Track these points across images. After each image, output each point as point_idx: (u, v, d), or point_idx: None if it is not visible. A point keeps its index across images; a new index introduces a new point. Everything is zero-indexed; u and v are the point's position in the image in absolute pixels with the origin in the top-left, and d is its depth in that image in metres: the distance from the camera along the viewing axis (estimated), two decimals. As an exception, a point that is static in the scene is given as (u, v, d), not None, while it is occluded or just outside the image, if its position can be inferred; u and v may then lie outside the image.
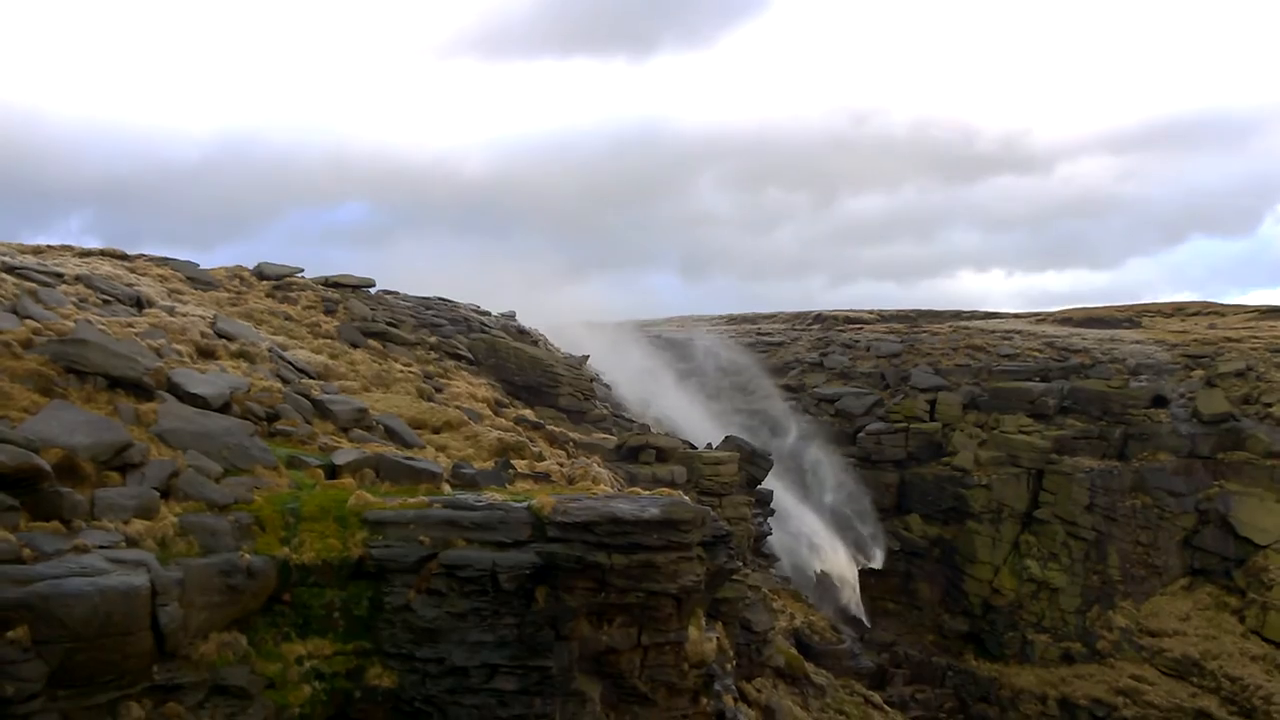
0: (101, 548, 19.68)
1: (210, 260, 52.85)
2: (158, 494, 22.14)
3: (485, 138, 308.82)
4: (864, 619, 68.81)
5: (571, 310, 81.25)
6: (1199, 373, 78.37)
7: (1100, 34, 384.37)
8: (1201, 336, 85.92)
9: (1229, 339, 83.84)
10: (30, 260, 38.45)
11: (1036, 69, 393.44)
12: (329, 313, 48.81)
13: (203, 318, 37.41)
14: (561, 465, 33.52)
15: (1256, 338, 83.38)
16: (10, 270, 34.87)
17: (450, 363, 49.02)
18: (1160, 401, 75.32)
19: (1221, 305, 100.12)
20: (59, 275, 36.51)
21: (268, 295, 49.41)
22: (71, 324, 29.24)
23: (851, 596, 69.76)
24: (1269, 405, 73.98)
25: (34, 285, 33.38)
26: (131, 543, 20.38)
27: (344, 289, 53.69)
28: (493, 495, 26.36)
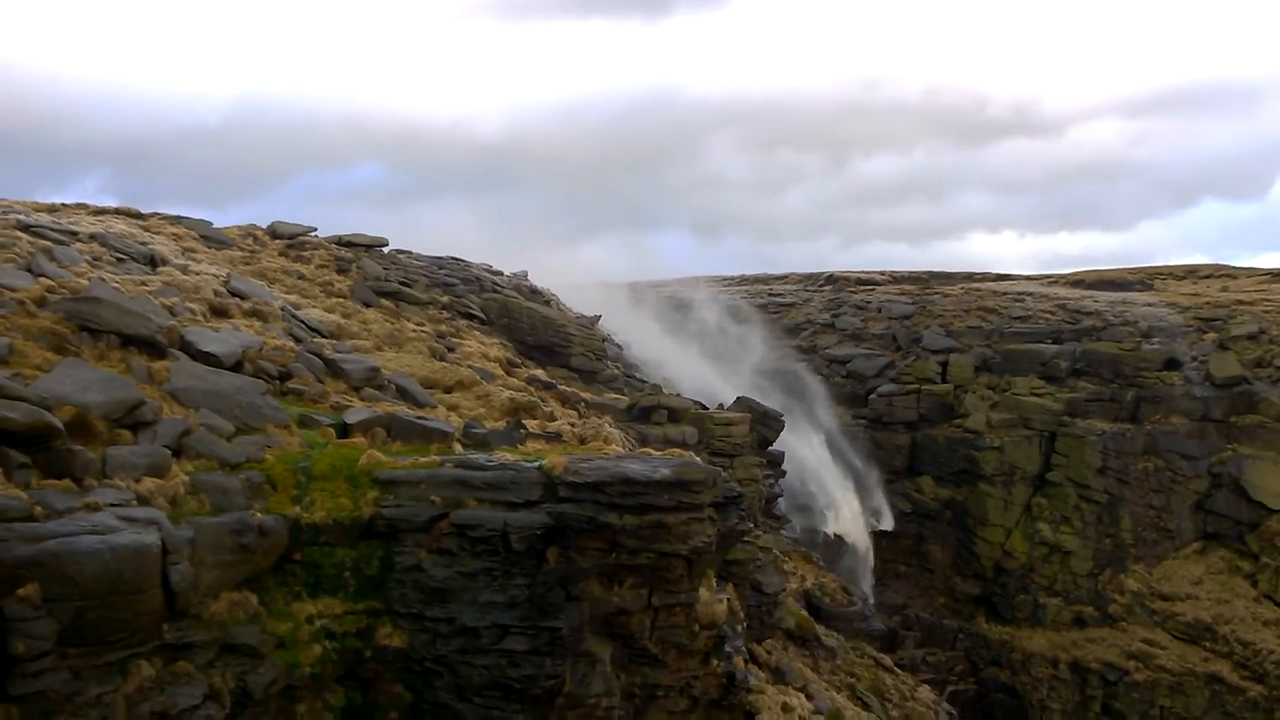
0: (113, 506, 19.71)
1: (225, 220, 52.58)
2: (169, 452, 22.18)
3: (501, 101, 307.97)
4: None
5: (584, 271, 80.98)
6: (1211, 335, 78.02)
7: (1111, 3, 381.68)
8: (1214, 299, 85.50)
9: (1241, 302, 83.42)
10: (45, 218, 38.40)
11: (1048, 34, 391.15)
12: (342, 272, 48.70)
13: (216, 276, 37.35)
14: (573, 425, 33.49)
15: (1269, 300, 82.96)
16: (25, 228, 34.82)
17: (462, 322, 48.94)
18: (1173, 364, 75.01)
19: (1234, 268, 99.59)
20: (73, 233, 36.45)
21: (281, 254, 49.30)
22: (85, 282, 29.19)
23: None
24: (1282, 368, 73.71)
25: (48, 243, 33.36)
26: (143, 501, 20.41)
27: (357, 248, 53.53)
28: (504, 455, 26.35)
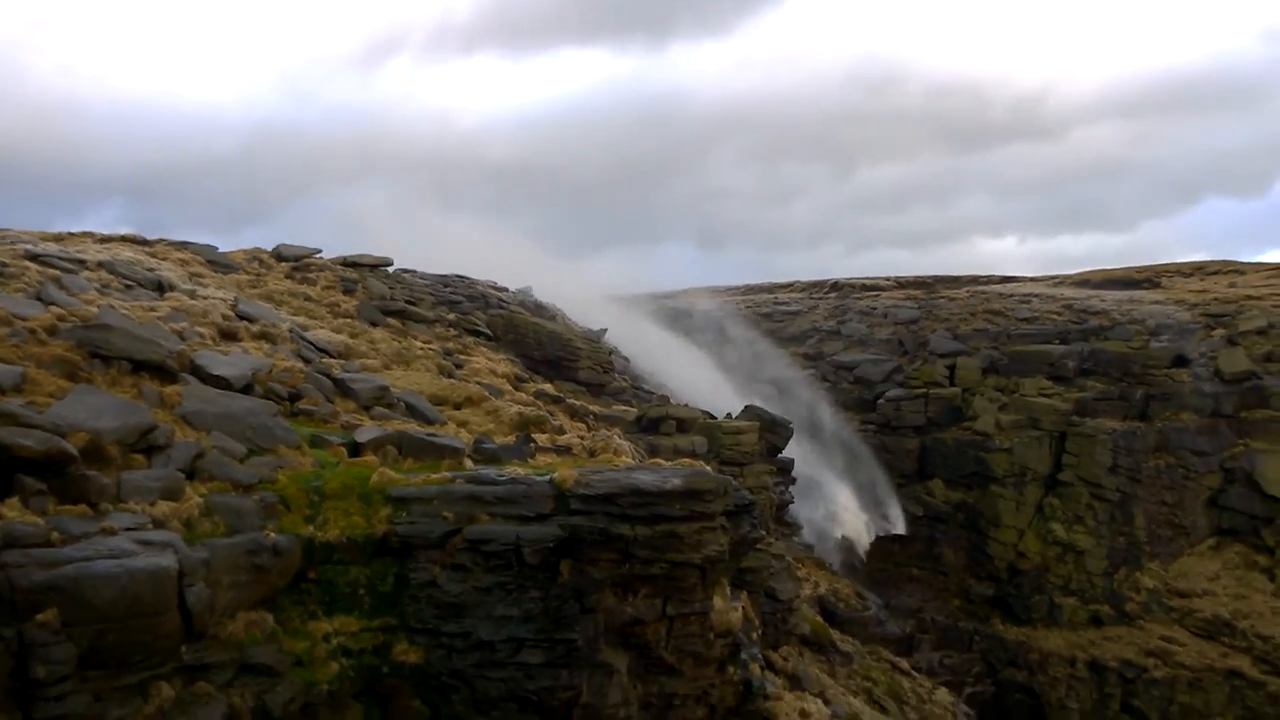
0: (128, 530, 19.82)
1: (235, 245, 53.00)
2: (183, 475, 22.30)
3: (510, 122, 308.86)
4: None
5: (590, 284, 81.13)
6: (1220, 331, 77.87)
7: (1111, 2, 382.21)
8: (1222, 295, 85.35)
9: (1250, 297, 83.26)
10: (53, 247, 38.70)
11: (1047, 39, 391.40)
12: (348, 292, 48.96)
13: (223, 300, 37.59)
14: (582, 438, 33.60)
15: (1278, 295, 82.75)
16: (33, 258, 35.11)
17: (469, 339, 49.15)
18: (1181, 361, 74.92)
19: (1241, 264, 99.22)
20: (81, 261, 36.72)
21: (287, 276, 49.60)
22: (95, 309, 29.42)
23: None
24: (1292, 363, 73.59)
25: (57, 272, 33.63)
26: (158, 524, 20.51)
27: (362, 268, 53.81)
28: (515, 469, 26.42)
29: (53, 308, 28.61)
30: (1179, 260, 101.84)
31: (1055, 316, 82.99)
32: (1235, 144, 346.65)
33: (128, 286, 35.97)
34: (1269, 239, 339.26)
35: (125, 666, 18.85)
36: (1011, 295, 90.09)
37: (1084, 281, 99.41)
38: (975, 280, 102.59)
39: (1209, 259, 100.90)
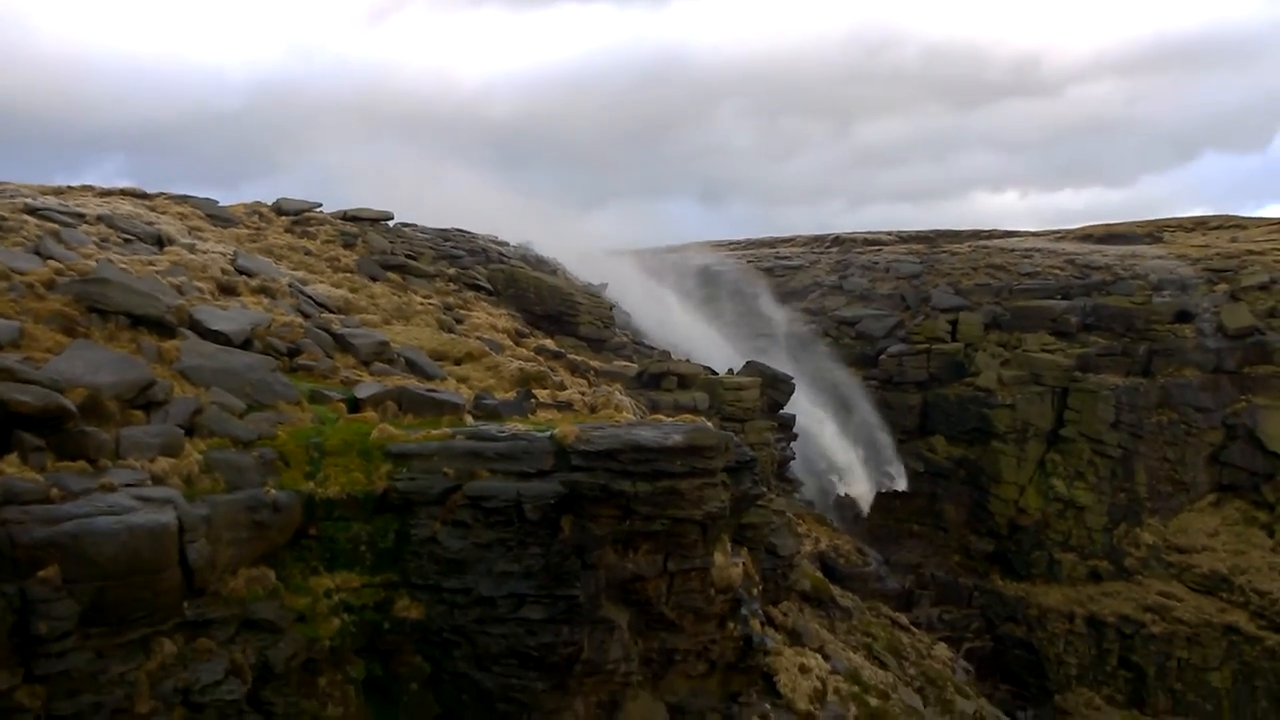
0: (128, 486, 19.78)
1: (237, 200, 52.71)
2: (182, 431, 22.24)
3: (513, 78, 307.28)
4: None
5: (591, 239, 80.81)
6: (1222, 287, 77.63)
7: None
8: (1224, 250, 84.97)
9: (1252, 252, 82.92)
10: (52, 201, 38.49)
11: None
12: (348, 246, 48.78)
13: (223, 254, 37.42)
14: (583, 394, 33.55)
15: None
16: (32, 211, 34.94)
17: (470, 294, 49.04)
18: (1184, 316, 74.75)
19: (1243, 219, 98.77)
20: (80, 215, 36.53)
21: (287, 231, 49.41)
22: (93, 263, 29.27)
23: None
24: (1295, 318, 73.44)
25: (55, 226, 33.47)
26: (157, 480, 20.48)
27: (362, 222, 53.59)
28: (515, 425, 26.36)
29: (51, 262, 28.45)
30: (1180, 215, 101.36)
31: (1058, 271, 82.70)
32: (1232, 99, 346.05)
33: (126, 240, 35.81)
34: (1269, 193, 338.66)
35: (127, 623, 18.87)
36: (1013, 250, 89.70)
37: (1086, 236, 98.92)
38: (977, 235, 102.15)
39: (1210, 214, 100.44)
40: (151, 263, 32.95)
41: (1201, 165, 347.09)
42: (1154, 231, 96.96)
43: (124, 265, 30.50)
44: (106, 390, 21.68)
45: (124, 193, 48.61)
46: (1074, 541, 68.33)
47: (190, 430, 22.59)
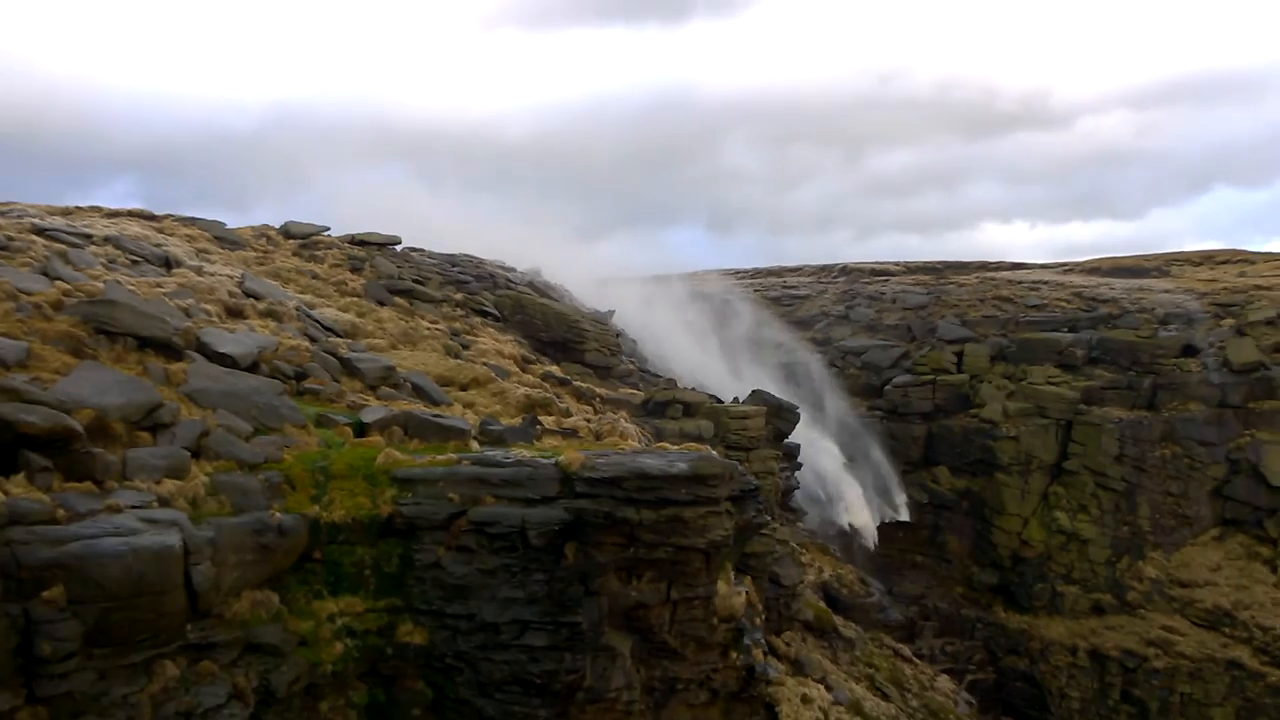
0: (134, 507, 19.82)
1: (248, 223, 52.71)
2: (188, 454, 22.29)
3: (526, 105, 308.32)
4: None
5: (600, 266, 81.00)
6: (1229, 321, 77.56)
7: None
8: (1231, 285, 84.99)
9: (1259, 287, 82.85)
10: (59, 222, 38.62)
11: (1055, 28, 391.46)
12: (355, 270, 48.85)
13: (230, 277, 37.52)
14: (589, 421, 33.57)
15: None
16: (40, 232, 35.06)
17: (476, 319, 49.06)
18: (1190, 351, 74.67)
19: (1251, 253, 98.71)
20: (88, 236, 36.64)
21: (294, 254, 49.48)
22: (101, 285, 29.35)
23: None
24: (1300, 354, 73.35)
25: (63, 246, 33.57)
26: (164, 502, 20.52)
27: (370, 247, 53.67)
28: (520, 452, 26.42)
29: (58, 283, 28.56)
30: (1188, 249, 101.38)
31: (1064, 304, 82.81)
32: (1242, 135, 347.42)
33: (134, 262, 35.92)
34: (1275, 228, 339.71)
35: (130, 644, 18.88)
36: (1021, 282, 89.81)
37: (1094, 269, 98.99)
38: (984, 266, 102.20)
39: (1218, 248, 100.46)
40: (159, 284, 33.04)
41: (1212, 198, 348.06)
42: (1162, 265, 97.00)
43: (132, 287, 30.59)
44: (113, 412, 21.75)
45: (131, 214, 48.74)
46: (1077, 574, 68.20)
47: (197, 453, 22.65)
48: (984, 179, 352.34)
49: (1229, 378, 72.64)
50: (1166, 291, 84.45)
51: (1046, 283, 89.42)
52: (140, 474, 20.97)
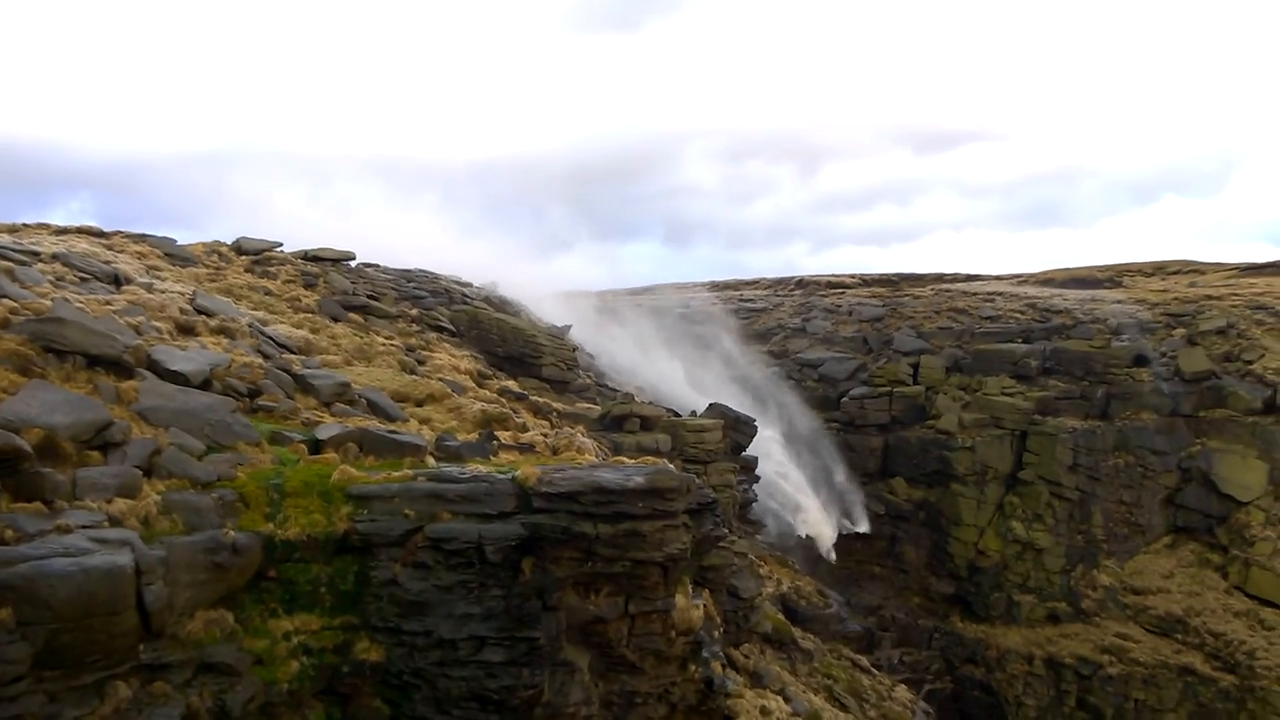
0: (84, 528, 19.53)
1: (204, 240, 52.21)
2: (140, 473, 22.02)
3: (482, 119, 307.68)
4: None
5: (556, 281, 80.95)
6: (1180, 331, 78.48)
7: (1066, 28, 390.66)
8: (1182, 295, 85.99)
9: (1209, 297, 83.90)
10: (5, 239, 38.15)
11: (1005, 46, 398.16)
12: (309, 287, 48.55)
13: (182, 294, 37.18)
14: (545, 436, 33.46)
15: (1237, 295, 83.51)
16: (-14, 250, 34.60)
17: (432, 335, 48.89)
18: (1142, 360, 75.45)
19: (1202, 263, 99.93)
20: (35, 253, 36.21)
21: (247, 270, 49.13)
22: (49, 303, 28.98)
23: None
24: (1250, 363, 74.21)
25: (10, 264, 33.10)
26: (115, 522, 20.24)
27: (324, 262, 53.38)
28: (477, 467, 26.31)
29: (5, 301, 28.13)
30: (1140, 260, 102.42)
31: (1018, 315, 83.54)
32: (1189, 146, 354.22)
33: (83, 279, 35.52)
34: (1226, 237, 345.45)
35: (81, 666, 18.62)
36: (975, 294, 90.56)
37: (1047, 280, 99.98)
38: (940, 278, 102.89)
39: (1169, 259, 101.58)
40: (109, 302, 32.69)
41: (1161, 209, 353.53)
42: (1114, 276, 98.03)
43: (80, 304, 30.25)
44: (63, 431, 21.48)
45: (80, 231, 48.25)
46: (1033, 583, 68.74)
47: (148, 471, 22.38)
48: (938, 192, 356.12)
49: (1180, 387, 73.49)
50: (1119, 302, 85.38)
51: (1001, 294, 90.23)
52: (90, 494, 20.69)
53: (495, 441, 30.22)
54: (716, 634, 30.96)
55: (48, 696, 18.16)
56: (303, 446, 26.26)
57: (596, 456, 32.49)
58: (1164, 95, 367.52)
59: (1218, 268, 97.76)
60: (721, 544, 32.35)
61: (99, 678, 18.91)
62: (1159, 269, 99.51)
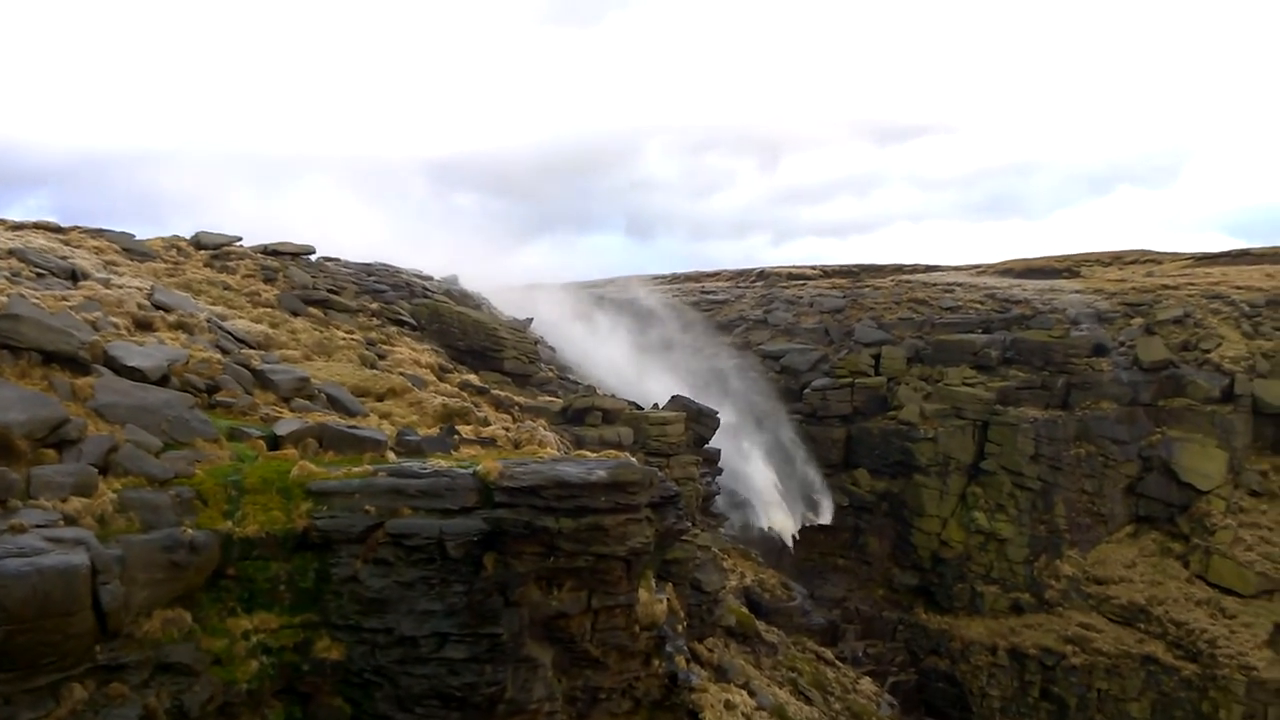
0: (39, 527, 19.28)
1: (164, 234, 51.65)
2: (96, 470, 21.75)
3: (445, 115, 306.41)
4: None
5: (518, 273, 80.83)
6: (1138, 321, 78.98)
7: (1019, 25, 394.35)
8: (1139, 285, 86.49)
9: (1166, 286, 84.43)
10: (-41, 235, 37.68)
11: (962, 38, 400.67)
12: (268, 281, 48.16)
13: (139, 289, 36.78)
14: (507, 430, 33.31)
15: (1193, 284, 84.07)
16: (-61, 245, 34.14)
17: (393, 329, 48.60)
18: (1101, 350, 75.90)
19: (1158, 253, 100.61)
20: (-11, 249, 35.77)
21: (206, 265, 48.69)
22: (4, 299, 28.57)
23: None
24: (1207, 351, 74.75)
25: (-37, 260, 32.72)
26: (70, 521, 20.00)
27: (283, 256, 52.96)
28: (438, 462, 26.11)
29: (-40, 297, 27.80)
30: (1097, 250, 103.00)
31: (978, 305, 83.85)
32: (1143, 137, 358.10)
33: (39, 275, 35.07)
34: (1181, 226, 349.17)
35: (36, 668, 18.38)
36: (935, 284, 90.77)
37: (1006, 271, 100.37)
38: (900, 269, 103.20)
39: (1126, 249, 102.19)
40: (65, 298, 32.27)
41: (1117, 199, 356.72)
42: (1072, 266, 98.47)
43: (36, 300, 29.83)
44: (17, 429, 21.18)
45: (37, 226, 47.65)
46: (996, 574, 69.10)
47: (104, 469, 22.11)
48: (896, 184, 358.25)
49: (1139, 376, 73.96)
50: (1077, 292, 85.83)
51: (960, 284, 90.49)
52: (45, 492, 20.43)
53: (456, 436, 30.04)
54: (680, 628, 30.95)
55: (1, 699, 17.93)
56: (261, 443, 25.99)
57: (559, 450, 32.35)
58: (1116, 88, 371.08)
59: (1174, 257, 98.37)
60: (685, 537, 32.35)
61: (54, 679, 18.69)
62: (1116, 259, 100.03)
